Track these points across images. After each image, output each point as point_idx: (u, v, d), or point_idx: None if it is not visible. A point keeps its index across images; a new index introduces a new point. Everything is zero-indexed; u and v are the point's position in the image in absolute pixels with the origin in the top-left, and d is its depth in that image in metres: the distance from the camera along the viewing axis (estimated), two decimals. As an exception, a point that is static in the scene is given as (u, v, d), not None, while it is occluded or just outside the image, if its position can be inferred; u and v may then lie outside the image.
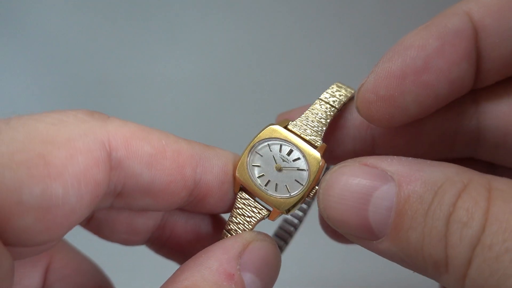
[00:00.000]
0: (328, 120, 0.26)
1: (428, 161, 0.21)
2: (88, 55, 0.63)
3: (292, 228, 0.32)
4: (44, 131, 0.19)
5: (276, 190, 0.25)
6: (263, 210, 0.25)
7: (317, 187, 0.24)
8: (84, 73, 0.63)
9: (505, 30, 0.22)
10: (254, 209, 0.25)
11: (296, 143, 0.25)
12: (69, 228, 0.21)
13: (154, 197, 0.23)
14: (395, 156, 0.22)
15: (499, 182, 0.19)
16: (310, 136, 0.26)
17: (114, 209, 0.26)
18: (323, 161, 0.25)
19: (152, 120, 0.63)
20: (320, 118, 0.26)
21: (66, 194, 0.19)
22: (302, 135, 0.26)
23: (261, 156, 0.26)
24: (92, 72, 0.63)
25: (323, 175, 0.23)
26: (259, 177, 0.25)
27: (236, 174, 0.25)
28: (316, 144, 0.25)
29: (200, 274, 0.22)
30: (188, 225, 0.28)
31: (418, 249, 0.20)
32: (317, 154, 0.25)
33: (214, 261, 0.22)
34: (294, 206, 0.25)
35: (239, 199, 0.26)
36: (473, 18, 0.23)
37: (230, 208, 0.26)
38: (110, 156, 0.21)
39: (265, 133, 0.26)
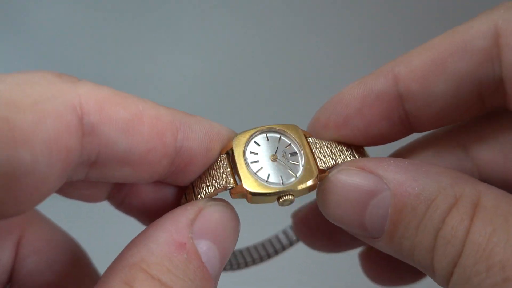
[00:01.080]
0: (344, 160, 0.26)
1: (425, 167, 0.22)
2: (88, 55, 0.62)
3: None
4: (8, 92, 0.18)
5: (257, 172, 0.24)
6: (231, 182, 0.24)
7: (290, 197, 0.23)
8: (84, 72, 0.62)
9: (428, 95, 0.24)
10: (224, 176, 0.24)
11: (305, 152, 0.25)
12: (40, 199, 0.19)
13: (132, 166, 0.22)
14: (392, 159, 0.22)
15: (488, 197, 0.20)
16: (320, 159, 0.25)
17: None
18: (314, 183, 0.24)
19: None
20: (337, 154, 0.26)
21: (35, 162, 0.18)
22: (314, 153, 0.25)
23: (267, 140, 0.25)
24: (92, 71, 0.62)
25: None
26: (251, 153, 0.24)
27: (233, 140, 0.24)
28: (320, 167, 0.25)
29: (147, 248, 0.20)
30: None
31: (410, 254, 0.21)
32: (314, 172, 0.24)
33: (162, 233, 0.21)
34: (260, 195, 0.23)
35: (218, 162, 0.24)
36: (400, 82, 0.24)
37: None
38: (82, 121, 0.19)
39: (285, 126, 0.25)
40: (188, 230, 0.21)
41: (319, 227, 0.30)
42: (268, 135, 0.25)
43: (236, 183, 0.24)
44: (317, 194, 0.24)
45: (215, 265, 0.22)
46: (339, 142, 0.26)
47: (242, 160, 0.24)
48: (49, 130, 0.18)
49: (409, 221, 0.21)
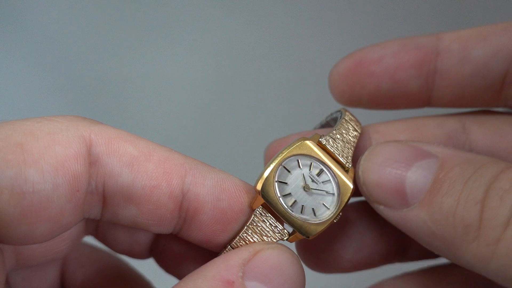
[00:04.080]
0: (355, 142, 0.25)
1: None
2: (88, 55, 0.64)
3: None
4: (28, 126, 0.20)
5: (301, 212, 0.23)
6: (284, 231, 0.23)
7: (340, 214, 0.23)
8: (84, 72, 0.64)
9: (465, 54, 0.26)
10: (275, 229, 0.23)
11: (329, 164, 0.23)
12: (50, 224, 0.21)
13: (137, 205, 0.22)
14: (441, 144, 0.23)
15: None
16: (341, 156, 0.24)
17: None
18: (354, 186, 0.24)
19: (152, 119, 0.64)
20: (349, 139, 0.25)
21: (41, 180, 0.19)
22: (334, 154, 0.24)
23: (289, 172, 0.23)
24: (92, 72, 0.64)
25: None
26: (285, 195, 0.23)
27: (258, 188, 0.22)
28: (346, 166, 0.24)
29: (193, 283, 0.20)
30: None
31: (450, 214, 0.20)
32: (349, 180, 0.24)
33: (212, 269, 0.20)
34: (318, 233, 0.23)
35: (258, 215, 0.23)
36: (442, 42, 0.26)
37: (234, 237, 0.23)
38: (90, 151, 0.21)
39: (296, 148, 0.23)
40: (238, 269, 0.20)
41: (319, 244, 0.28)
42: (287, 166, 0.23)
43: (288, 232, 0.23)
44: (358, 163, 0.24)
45: None
46: (339, 125, 0.25)
47: (283, 210, 0.23)
48: (57, 154, 0.20)
49: (455, 179, 0.20)
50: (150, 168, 0.22)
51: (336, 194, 0.23)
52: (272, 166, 0.23)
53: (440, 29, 0.29)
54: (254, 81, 0.63)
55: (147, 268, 0.30)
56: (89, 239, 0.29)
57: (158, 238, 0.27)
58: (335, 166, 0.24)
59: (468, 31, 0.26)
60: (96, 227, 0.27)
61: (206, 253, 0.25)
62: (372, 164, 0.23)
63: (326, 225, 0.23)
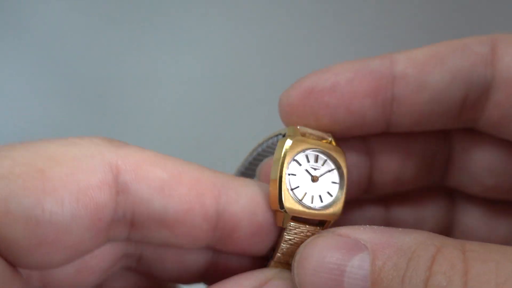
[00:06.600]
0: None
1: (400, 229, 0.21)
2: (88, 55, 0.64)
3: None
4: (52, 150, 0.19)
5: (322, 201, 0.23)
6: (316, 228, 0.23)
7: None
8: (84, 72, 0.64)
9: (422, 81, 0.24)
10: (308, 232, 0.23)
11: (319, 146, 0.24)
12: (67, 252, 0.20)
13: (170, 229, 0.21)
14: (366, 226, 0.22)
15: (472, 244, 0.19)
16: (319, 132, 0.25)
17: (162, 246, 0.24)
18: (343, 151, 0.24)
19: (153, 120, 0.64)
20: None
21: (59, 211, 0.19)
22: (314, 133, 0.25)
23: (295, 175, 0.23)
24: (92, 72, 0.64)
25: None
26: (303, 198, 0.23)
27: (286, 205, 0.22)
28: (329, 139, 0.25)
29: None
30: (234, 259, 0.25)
31: None
32: (337, 148, 0.24)
33: None
34: (342, 208, 0.24)
35: (290, 231, 0.23)
36: (396, 65, 0.25)
37: (271, 248, 0.24)
38: (117, 180, 0.20)
39: (290, 151, 0.23)
40: None
41: None
42: (291, 171, 0.23)
43: (316, 225, 0.23)
44: (292, 270, 0.22)
45: None
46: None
47: (309, 211, 0.23)
48: (80, 183, 0.19)
49: (391, 278, 0.19)
50: (182, 192, 0.21)
51: (335, 167, 0.24)
52: (276, 180, 0.23)
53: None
54: (255, 81, 0.64)
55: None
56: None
57: (211, 261, 0.26)
58: (322, 145, 0.24)
59: (422, 52, 0.25)
60: (138, 259, 0.25)
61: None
62: (305, 273, 0.21)
63: (344, 198, 0.24)
